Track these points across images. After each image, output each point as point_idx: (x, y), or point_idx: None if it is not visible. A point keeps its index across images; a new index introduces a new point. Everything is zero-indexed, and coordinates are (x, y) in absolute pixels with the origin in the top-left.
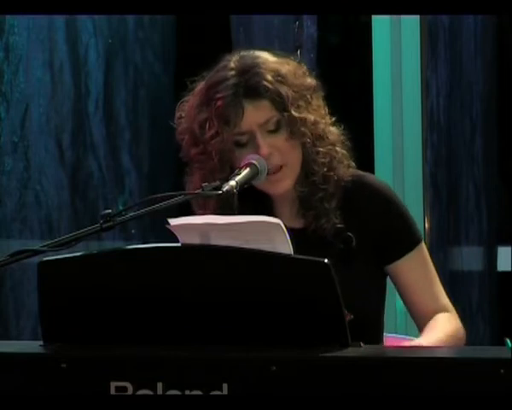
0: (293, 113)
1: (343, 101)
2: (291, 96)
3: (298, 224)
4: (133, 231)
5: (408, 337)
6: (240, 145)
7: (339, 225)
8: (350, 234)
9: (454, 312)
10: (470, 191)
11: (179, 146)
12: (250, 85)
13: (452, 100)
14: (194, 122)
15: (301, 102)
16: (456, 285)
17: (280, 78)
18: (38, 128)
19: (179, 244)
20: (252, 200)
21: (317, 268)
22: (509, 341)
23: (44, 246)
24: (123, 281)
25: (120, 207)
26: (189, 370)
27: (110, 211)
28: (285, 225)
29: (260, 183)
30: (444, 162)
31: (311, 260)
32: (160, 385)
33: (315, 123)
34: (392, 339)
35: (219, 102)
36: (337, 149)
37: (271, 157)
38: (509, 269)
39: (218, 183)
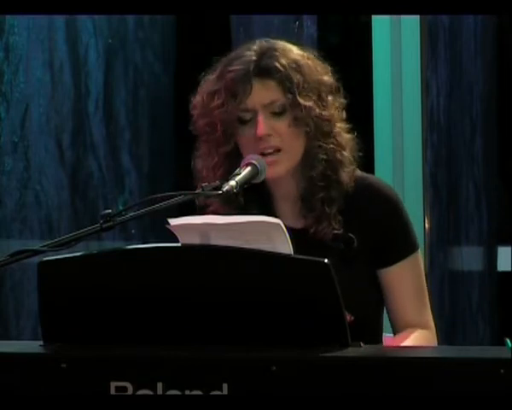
0: (299, 98)
1: None
2: (301, 84)
3: (299, 224)
4: (133, 231)
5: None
6: (242, 122)
7: (338, 231)
8: (351, 235)
9: (434, 332)
10: (470, 191)
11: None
12: (262, 65)
13: (452, 100)
14: (204, 92)
15: (311, 94)
16: (456, 285)
17: (295, 66)
18: (38, 128)
19: (179, 244)
20: (254, 197)
21: (316, 268)
22: (509, 341)
23: (44, 246)
24: (123, 281)
25: (120, 207)
26: (189, 370)
27: (110, 211)
28: (286, 225)
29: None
30: (444, 162)
31: (311, 260)
32: (159, 385)
33: (321, 117)
34: (390, 339)
35: (230, 75)
36: (344, 153)
37: (269, 138)
38: (509, 269)
39: (218, 183)
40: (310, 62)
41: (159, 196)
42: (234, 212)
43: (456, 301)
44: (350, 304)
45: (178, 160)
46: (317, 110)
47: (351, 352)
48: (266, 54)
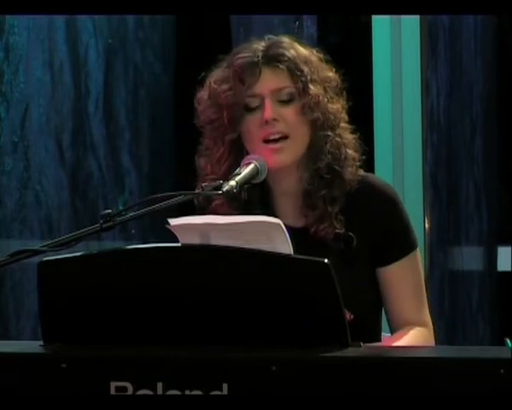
0: (310, 85)
1: None
2: (310, 75)
3: (299, 222)
4: (133, 231)
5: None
6: (249, 110)
7: (339, 231)
8: (351, 234)
9: (431, 330)
10: (470, 191)
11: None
12: (271, 53)
13: (452, 100)
14: (212, 81)
15: (319, 86)
16: (456, 285)
17: (304, 58)
18: (38, 128)
19: (179, 244)
20: (255, 196)
21: (316, 268)
22: (509, 341)
23: (44, 246)
24: (123, 281)
25: (120, 207)
26: (189, 370)
27: (110, 211)
28: (286, 224)
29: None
30: (444, 162)
31: (311, 260)
32: (159, 385)
33: (328, 108)
34: (389, 339)
35: (239, 62)
36: (348, 150)
37: (276, 124)
38: (509, 269)
39: (218, 183)
40: (316, 59)
41: (159, 196)
42: (234, 211)
43: (456, 301)
44: (350, 304)
45: (178, 160)
46: (325, 100)
47: (351, 352)
48: (275, 45)
